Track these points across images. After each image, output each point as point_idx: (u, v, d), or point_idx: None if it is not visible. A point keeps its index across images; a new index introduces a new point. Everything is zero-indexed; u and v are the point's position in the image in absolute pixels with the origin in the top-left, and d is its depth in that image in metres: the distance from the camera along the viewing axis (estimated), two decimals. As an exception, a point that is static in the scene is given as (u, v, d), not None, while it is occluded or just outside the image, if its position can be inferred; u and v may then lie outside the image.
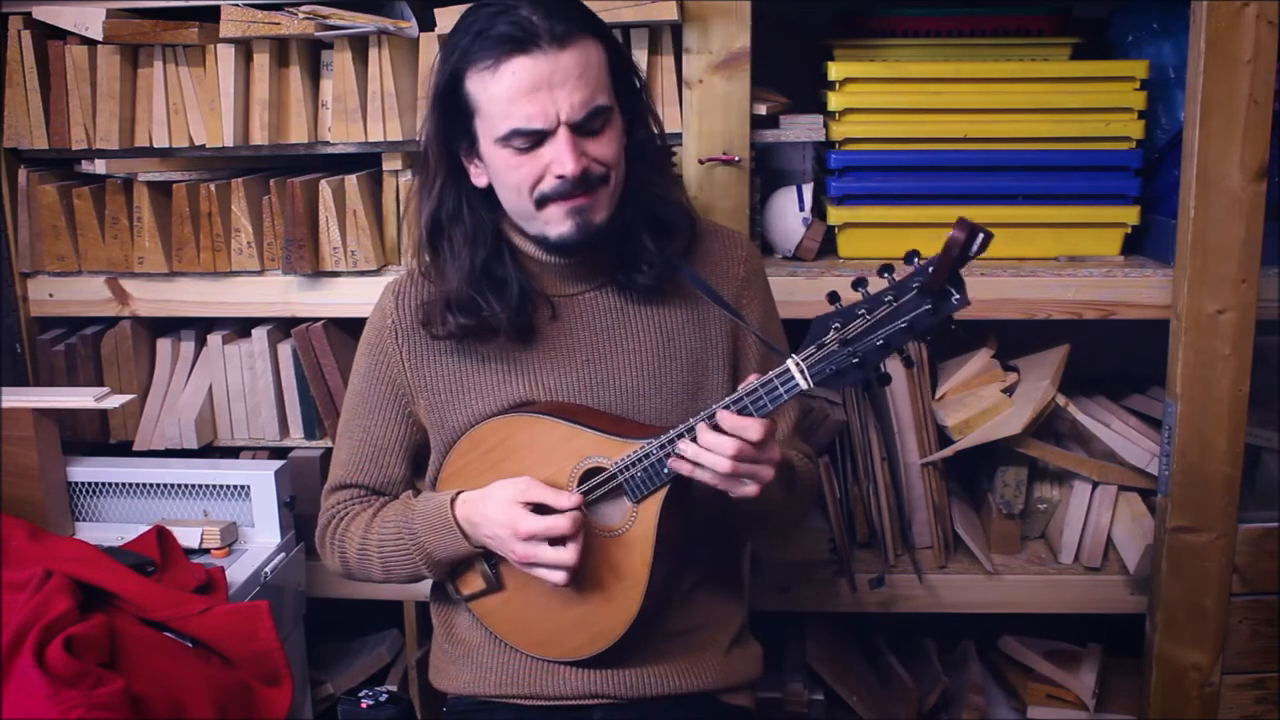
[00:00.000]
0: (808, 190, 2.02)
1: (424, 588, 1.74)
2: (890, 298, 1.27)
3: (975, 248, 1.21)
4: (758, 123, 1.96)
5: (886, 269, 1.29)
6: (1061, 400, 1.99)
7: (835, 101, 1.95)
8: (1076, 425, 2.03)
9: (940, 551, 2.06)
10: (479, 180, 1.46)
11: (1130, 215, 1.98)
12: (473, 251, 1.47)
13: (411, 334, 1.53)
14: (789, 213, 2.02)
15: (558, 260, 1.49)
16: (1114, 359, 2.15)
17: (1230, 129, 1.78)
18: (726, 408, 1.35)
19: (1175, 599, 1.94)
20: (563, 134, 1.36)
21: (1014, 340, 2.11)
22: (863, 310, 1.28)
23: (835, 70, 1.95)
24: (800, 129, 2.00)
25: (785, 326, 1.63)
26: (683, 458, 1.36)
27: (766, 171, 2.07)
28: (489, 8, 1.38)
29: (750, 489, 1.36)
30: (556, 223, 1.41)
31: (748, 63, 1.89)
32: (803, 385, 1.31)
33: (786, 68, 2.09)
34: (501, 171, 1.41)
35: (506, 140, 1.38)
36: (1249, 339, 1.84)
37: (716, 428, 1.34)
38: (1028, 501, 2.09)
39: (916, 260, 1.27)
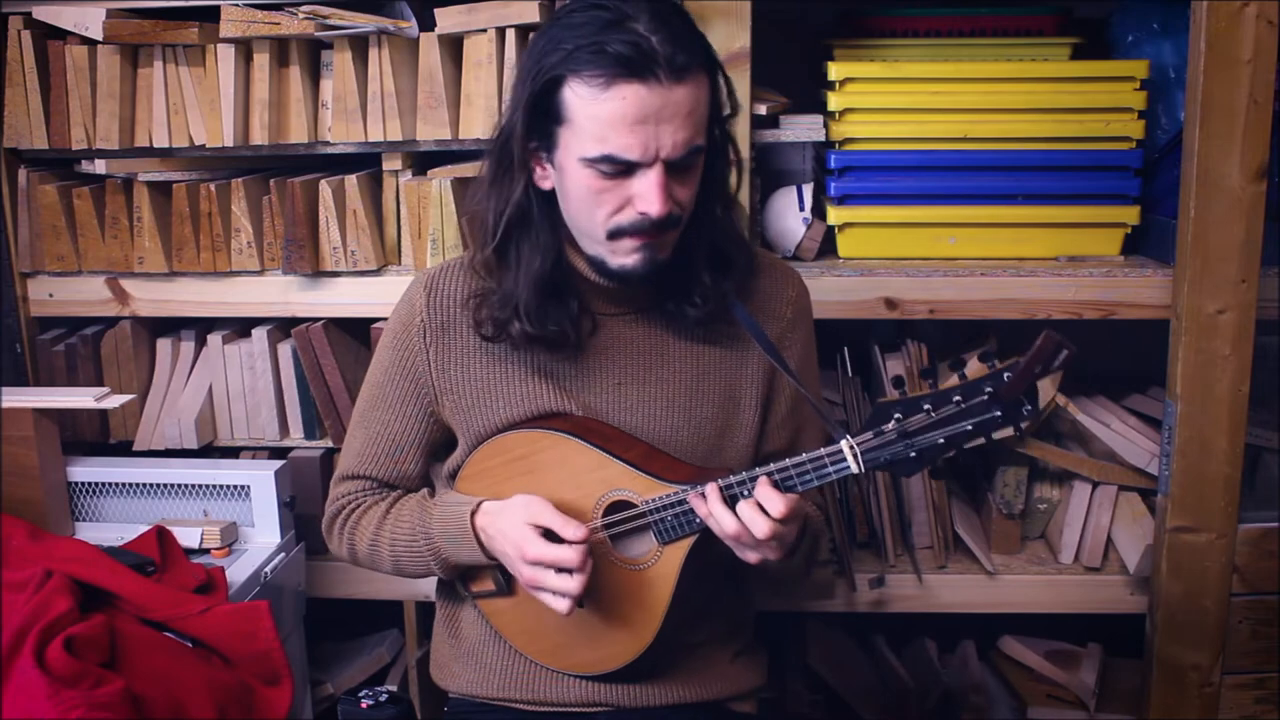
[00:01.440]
0: (808, 190, 2.02)
1: (428, 585, 1.74)
2: (958, 398, 1.24)
3: (1058, 362, 1.19)
4: (758, 123, 1.95)
5: (958, 364, 1.25)
6: (1061, 400, 2.00)
7: (835, 101, 1.95)
8: (1076, 425, 2.03)
9: (940, 551, 2.06)
10: (543, 184, 1.39)
11: (1130, 215, 1.98)
12: (543, 257, 1.40)
13: (441, 333, 1.48)
14: (789, 213, 2.02)
15: (606, 281, 1.42)
16: (1114, 359, 2.15)
17: (1230, 129, 1.78)
18: (770, 475, 1.32)
19: (1175, 599, 1.94)
20: (656, 171, 1.30)
21: (1014, 340, 2.11)
22: (928, 405, 1.25)
23: (835, 70, 1.95)
24: (800, 129, 2.00)
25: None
26: (703, 497, 1.34)
27: (766, 171, 2.07)
28: (601, 11, 1.29)
29: (750, 556, 1.34)
30: (623, 255, 1.36)
31: (748, 63, 1.89)
32: (854, 469, 1.29)
33: (786, 68, 2.09)
34: (579, 191, 1.34)
35: (594, 162, 1.30)
36: (1249, 339, 1.84)
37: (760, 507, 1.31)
38: (1028, 501, 2.09)
39: (993, 363, 1.23)
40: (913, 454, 1.26)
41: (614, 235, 1.35)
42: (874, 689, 2.16)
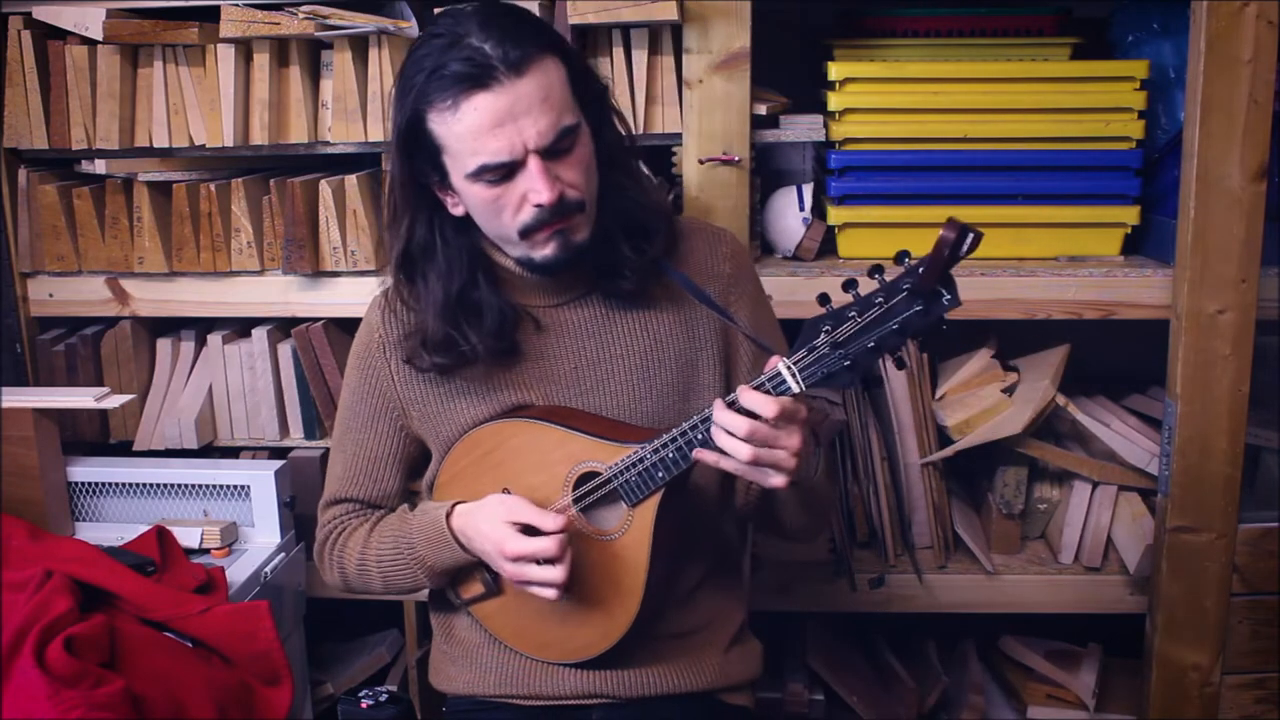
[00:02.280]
0: (808, 190, 2.02)
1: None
2: (881, 299, 1.26)
3: (965, 247, 1.21)
4: (758, 123, 1.96)
5: (877, 270, 1.28)
6: (1061, 400, 1.99)
7: (835, 101, 1.95)
8: (1076, 425, 2.03)
9: (940, 551, 2.06)
10: (455, 210, 1.44)
11: (1130, 215, 1.98)
12: (447, 284, 1.45)
13: (399, 348, 1.52)
14: (789, 213, 2.02)
15: (540, 276, 1.47)
16: (1114, 359, 2.15)
17: (1230, 129, 1.78)
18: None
19: (1175, 599, 1.94)
20: (533, 163, 1.34)
21: (1014, 340, 2.11)
22: (853, 313, 1.28)
23: (835, 70, 1.95)
24: (800, 129, 2.00)
25: (786, 326, 1.62)
26: (706, 448, 1.35)
27: (766, 171, 2.07)
28: (438, 39, 1.35)
29: (778, 479, 1.34)
30: (542, 247, 1.40)
31: (748, 63, 1.89)
32: (794, 388, 1.30)
33: (786, 68, 2.09)
34: (478, 205, 1.40)
35: (477, 176, 1.36)
36: (1249, 339, 1.84)
37: (733, 405, 1.31)
38: (1028, 501, 2.09)
39: (907, 261, 1.26)
40: (847, 363, 1.28)
41: (525, 234, 1.39)
42: (874, 689, 2.16)
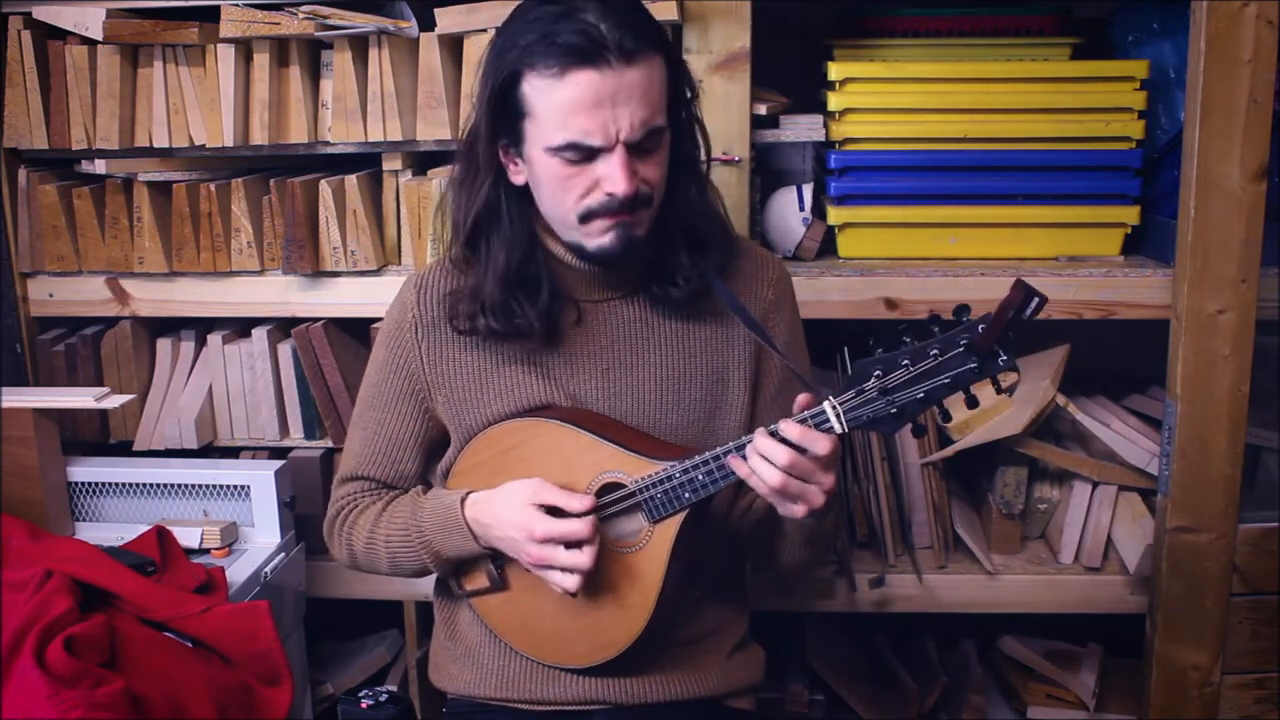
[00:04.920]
0: (808, 190, 2.02)
1: (426, 586, 1.74)
2: (936, 351, 1.25)
3: (1030, 310, 1.20)
4: (758, 123, 1.96)
5: (935, 321, 1.27)
6: (1061, 400, 1.99)
7: (835, 101, 1.95)
8: (1076, 425, 2.03)
9: (940, 551, 2.06)
10: (516, 179, 1.43)
11: (1130, 215, 1.98)
12: (509, 252, 1.43)
13: (432, 329, 1.51)
14: (789, 213, 2.02)
15: (589, 266, 1.46)
16: (1114, 359, 2.15)
17: (1230, 129, 1.78)
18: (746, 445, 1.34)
19: (1175, 599, 1.94)
20: (619, 153, 1.33)
21: (1014, 340, 2.11)
22: (906, 361, 1.26)
23: (835, 70, 1.95)
24: (800, 129, 2.00)
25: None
26: (744, 458, 1.34)
27: (766, 171, 2.07)
28: (552, 6, 1.34)
29: (799, 510, 1.33)
30: (597, 235, 1.39)
31: (748, 63, 1.89)
32: (838, 429, 1.30)
33: (786, 68, 2.09)
34: (548, 180, 1.38)
35: (559, 151, 1.34)
36: (1249, 339, 1.84)
37: (776, 435, 1.31)
38: (1028, 501, 2.09)
39: (966, 316, 1.26)
40: (893, 410, 1.28)
41: (585, 219, 1.38)
42: (874, 689, 2.16)
